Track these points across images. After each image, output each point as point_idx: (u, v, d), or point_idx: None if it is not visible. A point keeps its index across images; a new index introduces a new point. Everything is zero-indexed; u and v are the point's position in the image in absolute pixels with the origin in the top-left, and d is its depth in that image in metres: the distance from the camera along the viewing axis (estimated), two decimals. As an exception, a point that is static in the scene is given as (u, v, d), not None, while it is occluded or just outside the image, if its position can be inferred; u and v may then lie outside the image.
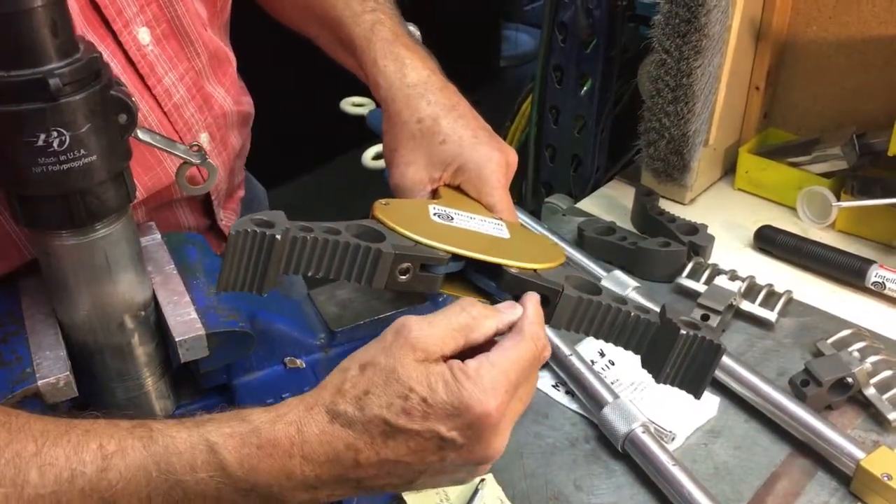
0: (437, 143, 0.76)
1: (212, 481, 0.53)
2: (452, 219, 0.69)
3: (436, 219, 0.68)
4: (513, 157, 0.79)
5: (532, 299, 0.61)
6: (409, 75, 0.79)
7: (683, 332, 0.61)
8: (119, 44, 0.72)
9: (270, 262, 0.57)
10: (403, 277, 0.62)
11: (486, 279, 0.66)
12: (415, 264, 0.62)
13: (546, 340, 0.59)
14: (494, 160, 0.77)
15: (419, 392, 0.54)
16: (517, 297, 0.64)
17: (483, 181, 0.76)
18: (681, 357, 0.62)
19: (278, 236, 0.56)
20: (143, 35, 0.74)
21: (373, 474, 0.55)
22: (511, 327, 0.59)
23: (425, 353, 0.55)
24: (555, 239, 1.10)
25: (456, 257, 0.64)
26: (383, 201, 0.67)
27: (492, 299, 0.66)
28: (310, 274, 0.60)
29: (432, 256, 0.63)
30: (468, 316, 0.57)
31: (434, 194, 0.77)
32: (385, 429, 0.54)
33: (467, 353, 0.56)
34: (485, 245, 0.66)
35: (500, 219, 0.73)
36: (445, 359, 0.55)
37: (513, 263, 0.64)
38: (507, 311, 0.60)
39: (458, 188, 0.77)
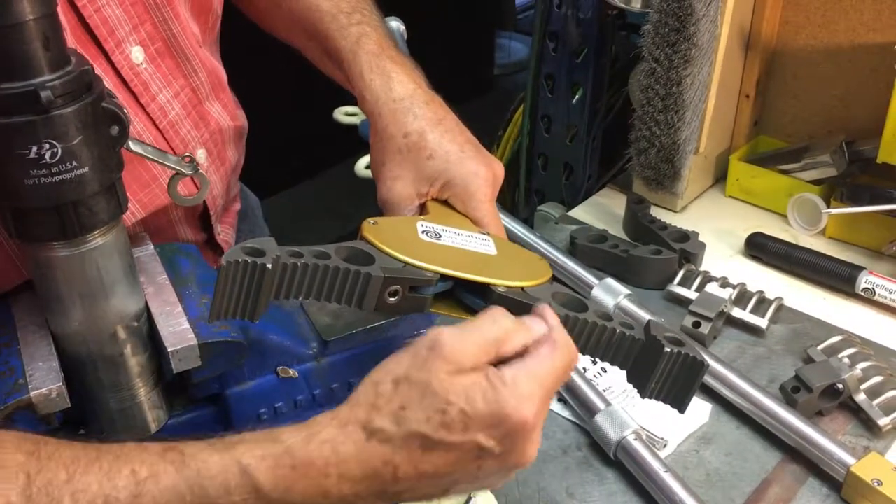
0: (425, 159, 0.77)
1: None
2: (440, 236, 0.69)
3: (424, 237, 0.68)
4: (499, 171, 0.80)
5: (549, 310, 0.61)
6: (396, 89, 0.79)
7: (667, 349, 0.62)
8: (111, 63, 0.72)
9: (262, 291, 0.57)
10: (393, 299, 0.62)
11: (475, 297, 0.66)
12: (404, 286, 0.62)
13: (575, 348, 0.59)
14: (481, 175, 0.77)
15: (458, 404, 0.53)
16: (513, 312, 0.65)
17: (470, 196, 0.77)
18: (665, 373, 0.63)
19: (269, 265, 0.57)
20: (137, 54, 0.74)
21: (410, 486, 0.55)
22: (537, 341, 0.58)
23: (459, 365, 0.54)
24: (545, 247, 1.11)
25: (445, 277, 0.64)
26: (371, 220, 0.68)
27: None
28: (300, 298, 0.61)
29: (421, 278, 0.63)
30: (500, 329, 0.57)
31: (422, 208, 0.78)
32: (424, 442, 0.54)
33: (495, 364, 0.56)
34: (472, 263, 0.67)
35: (487, 233, 0.74)
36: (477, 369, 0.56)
37: (500, 282, 0.65)
38: (536, 326, 0.59)
39: (445, 202, 0.78)
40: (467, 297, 0.67)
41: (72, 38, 0.68)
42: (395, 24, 1.07)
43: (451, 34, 2.96)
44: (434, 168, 0.77)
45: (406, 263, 0.63)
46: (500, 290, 0.64)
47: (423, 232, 0.69)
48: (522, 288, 0.65)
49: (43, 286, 0.62)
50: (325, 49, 0.87)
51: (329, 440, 0.54)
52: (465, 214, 0.77)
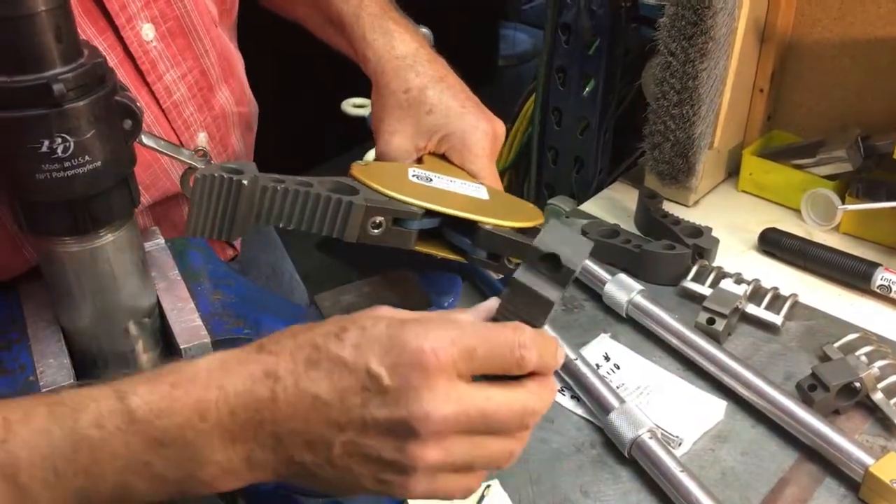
0: (424, 113, 0.77)
1: (119, 434, 0.47)
2: (431, 180, 0.69)
3: (414, 179, 0.68)
4: (500, 128, 0.80)
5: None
6: (398, 47, 0.80)
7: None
8: (120, 38, 0.72)
9: (238, 209, 0.57)
10: (376, 231, 0.62)
11: (461, 236, 0.66)
12: (387, 218, 0.62)
13: (527, 346, 0.51)
14: (480, 129, 0.77)
15: (359, 323, 0.50)
16: (492, 255, 0.64)
17: (467, 149, 0.77)
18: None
19: (245, 182, 0.57)
20: (147, 31, 0.74)
21: (288, 421, 0.48)
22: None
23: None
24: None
25: (430, 214, 0.64)
26: (362, 162, 0.68)
27: (467, 256, 0.66)
28: (282, 225, 0.60)
29: (405, 210, 0.63)
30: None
31: (419, 162, 0.78)
32: (311, 354, 0.49)
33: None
34: (461, 203, 0.67)
35: (482, 184, 0.73)
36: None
37: (487, 220, 0.64)
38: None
39: (442, 157, 0.78)
40: (453, 235, 0.67)
41: (80, 11, 0.68)
42: (425, 31, 1.08)
43: (455, 25, 2.94)
44: (433, 122, 0.77)
45: (390, 197, 0.63)
46: (487, 227, 0.64)
47: (413, 176, 0.69)
48: (511, 227, 0.65)
49: (53, 281, 0.61)
50: (327, 16, 0.87)
51: (220, 357, 0.50)
52: (461, 167, 0.77)
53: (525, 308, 0.51)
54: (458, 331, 0.49)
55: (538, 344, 0.51)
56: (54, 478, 0.47)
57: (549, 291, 0.51)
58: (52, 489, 0.47)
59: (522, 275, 0.51)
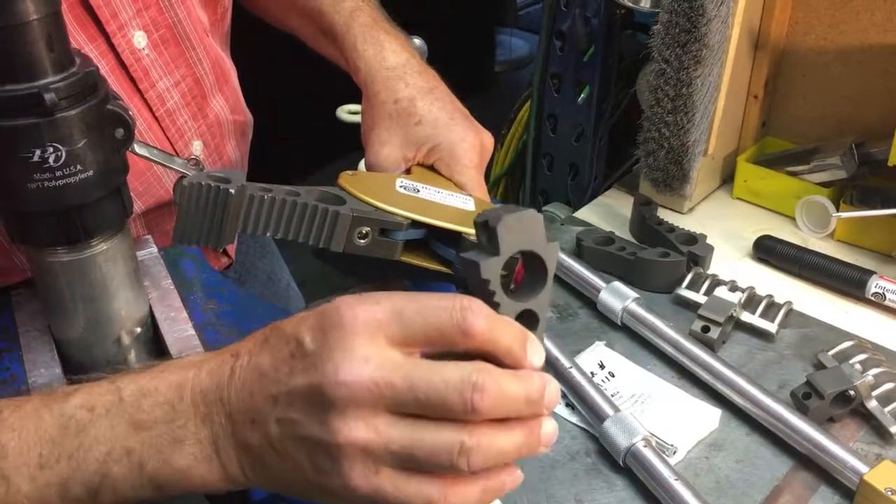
0: (413, 124, 0.78)
1: (106, 417, 0.48)
2: (419, 191, 0.70)
3: (401, 190, 0.69)
4: (488, 140, 0.80)
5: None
6: (389, 58, 0.81)
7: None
8: (111, 46, 0.72)
9: (226, 217, 0.57)
10: (362, 241, 0.63)
11: (447, 247, 0.66)
12: (373, 228, 0.63)
13: (472, 309, 0.46)
14: (468, 140, 0.78)
15: (322, 307, 0.48)
16: None
17: (455, 160, 0.77)
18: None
19: (232, 191, 0.57)
20: (139, 39, 0.74)
21: (238, 397, 0.48)
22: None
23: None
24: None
25: (416, 224, 0.64)
26: (350, 172, 0.69)
27: (452, 267, 0.67)
28: (269, 234, 0.61)
29: (391, 221, 0.64)
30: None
31: (407, 173, 0.78)
32: (267, 332, 0.49)
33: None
34: (447, 214, 0.68)
35: (469, 195, 0.73)
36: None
37: (473, 232, 0.65)
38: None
39: (431, 168, 0.78)
40: (439, 246, 0.67)
41: (70, 18, 0.67)
42: (417, 42, 1.08)
43: (451, 31, 2.95)
44: (422, 133, 0.78)
45: (377, 208, 0.64)
46: (473, 238, 0.64)
47: (401, 186, 0.69)
48: None
49: (45, 290, 0.61)
50: (318, 26, 0.88)
51: (205, 352, 0.53)
52: (449, 179, 0.77)
53: (470, 284, 0.48)
54: (392, 294, 0.46)
55: (490, 317, 0.46)
56: (38, 469, 0.48)
57: (479, 256, 0.47)
58: (34, 481, 0.48)
59: (466, 252, 0.49)
